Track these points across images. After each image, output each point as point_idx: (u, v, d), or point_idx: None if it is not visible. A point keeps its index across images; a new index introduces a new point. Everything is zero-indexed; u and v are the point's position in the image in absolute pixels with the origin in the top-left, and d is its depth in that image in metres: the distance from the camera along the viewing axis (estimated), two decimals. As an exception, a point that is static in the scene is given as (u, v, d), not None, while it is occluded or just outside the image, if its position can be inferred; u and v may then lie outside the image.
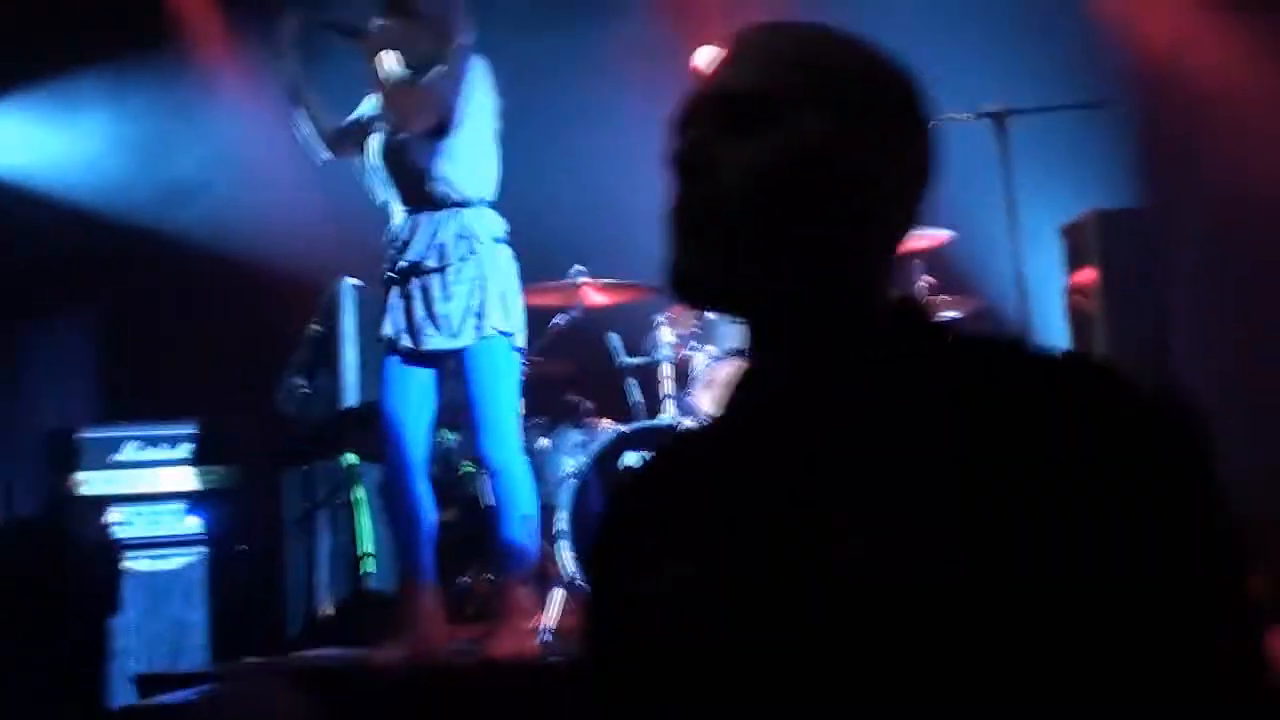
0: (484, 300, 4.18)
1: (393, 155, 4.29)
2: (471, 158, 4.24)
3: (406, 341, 4.24)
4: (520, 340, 4.30)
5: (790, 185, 1.17)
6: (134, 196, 6.72)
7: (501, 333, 4.21)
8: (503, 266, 4.27)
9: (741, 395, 1.26)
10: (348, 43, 4.26)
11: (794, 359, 1.20)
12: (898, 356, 1.17)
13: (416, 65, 4.28)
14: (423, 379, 4.30)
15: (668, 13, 6.67)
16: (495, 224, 4.29)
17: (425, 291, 4.21)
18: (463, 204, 4.24)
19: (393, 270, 4.29)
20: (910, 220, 1.24)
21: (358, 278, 5.66)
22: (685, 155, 1.21)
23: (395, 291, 4.29)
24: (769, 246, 1.17)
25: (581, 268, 5.25)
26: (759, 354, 1.24)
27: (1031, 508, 1.03)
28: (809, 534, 1.11)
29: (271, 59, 4.31)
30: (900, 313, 1.21)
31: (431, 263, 4.20)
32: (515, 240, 4.35)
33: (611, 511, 1.33)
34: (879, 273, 1.22)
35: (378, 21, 4.24)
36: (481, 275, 4.20)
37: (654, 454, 1.35)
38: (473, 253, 4.20)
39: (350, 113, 4.45)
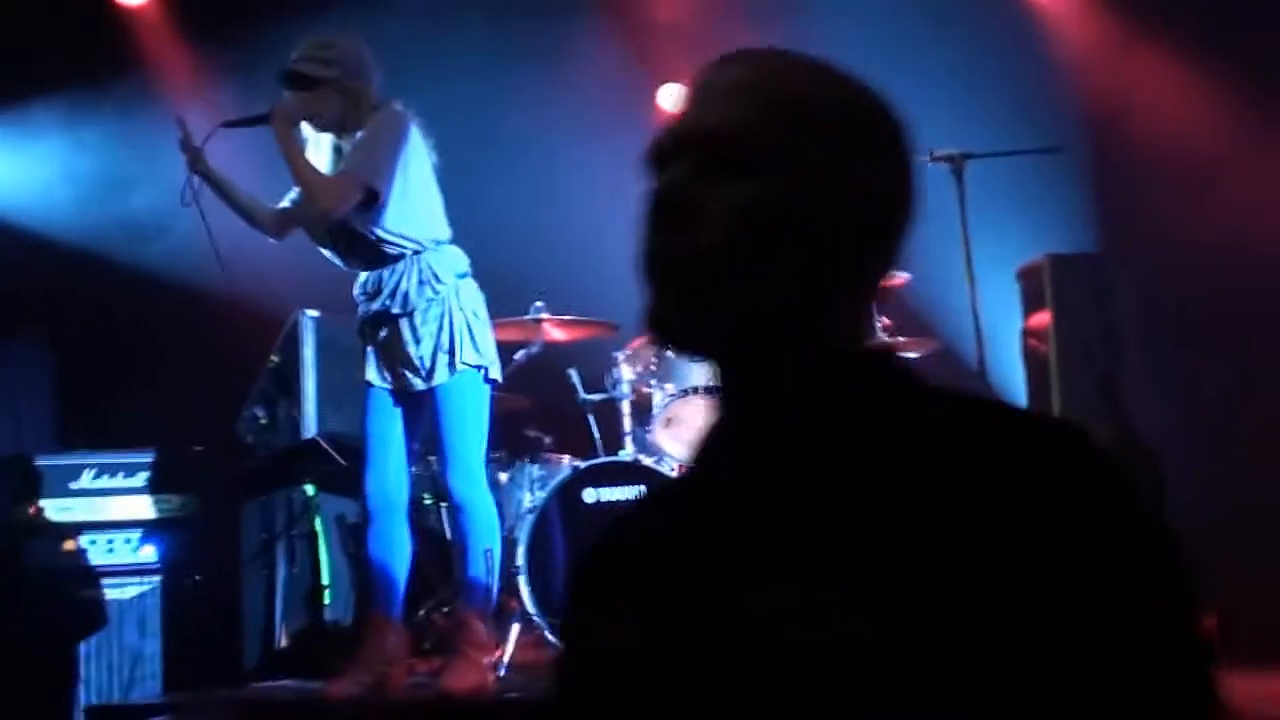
0: (453, 337, 4.22)
1: (337, 228, 4.29)
2: (409, 206, 4.23)
3: (388, 386, 4.31)
4: (494, 371, 4.35)
5: (778, 230, 1.13)
6: (93, 224, 6.72)
7: (474, 367, 4.26)
8: (467, 301, 4.31)
9: (709, 444, 1.23)
10: (257, 126, 4.22)
11: (761, 408, 1.18)
12: (862, 408, 1.15)
13: (332, 129, 4.27)
14: (401, 418, 4.35)
15: (633, 47, 6.73)
16: (455, 261, 4.32)
17: (396, 337, 4.26)
18: (417, 250, 4.26)
19: (364, 321, 4.34)
20: (893, 260, 1.21)
21: (317, 309, 5.66)
22: (665, 198, 1.16)
23: (371, 338, 4.35)
24: (754, 293, 1.14)
25: (541, 303, 5.28)
26: (730, 401, 1.21)
27: (974, 566, 1.02)
28: (750, 589, 1.10)
29: (189, 178, 4.28)
30: (870, 362, 1.19)
31: (396, 310, 4.24)
32: (475, 275, 4.39)
33: (585, 562, 1.31)
34: (861, 315, 1.20)
35: (283, 99, 4.21)
36: (447, 313, 4.24)
37: (636, 503, 1.35)
38: (435, 294, 4.24)
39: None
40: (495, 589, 4.38)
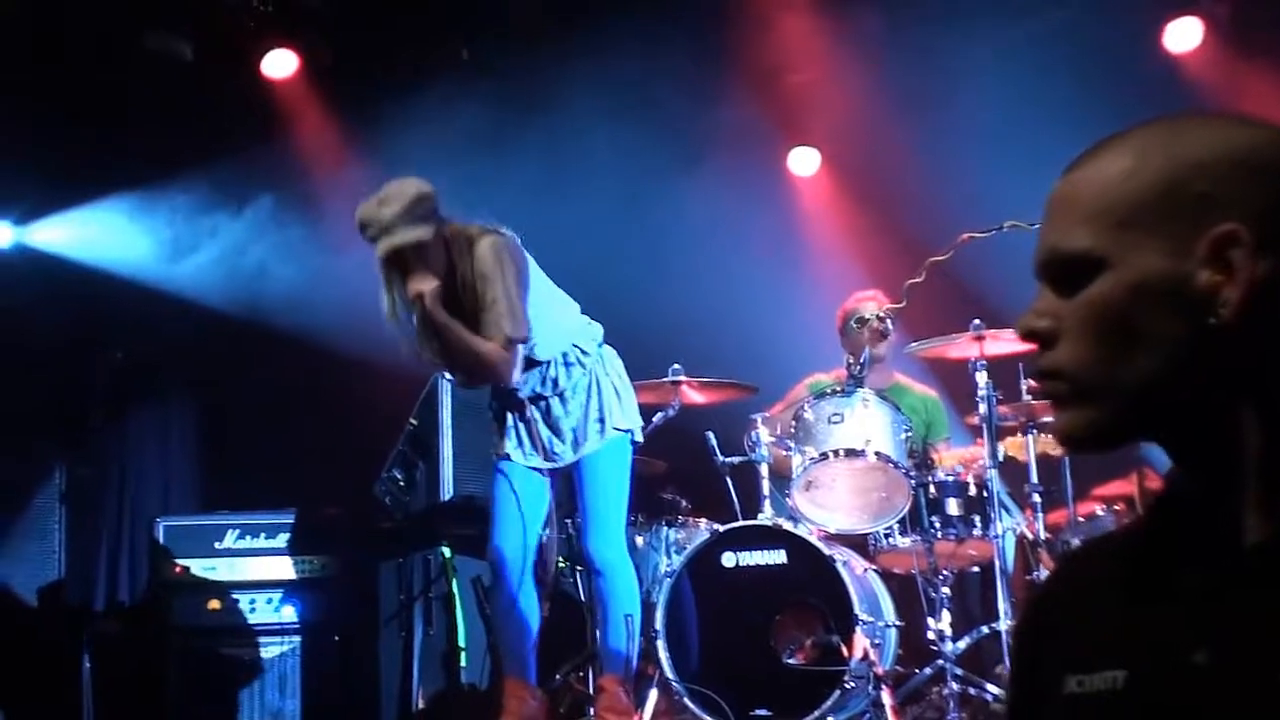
0: (602, 405, 4.29)
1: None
2: (551, 326, 4.25)
3: (537, 460, 4.34)
4: (639, 434, 4.40)
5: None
6: (237, 293, 6.87)
7: (624, 431, 4.33)
8: (610, 367, 4.39)
9: (1164, 503, 1.23)
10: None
11: (1213, 471, 1.17)
12: None
13: (441, 272, 4.16)
14: (536, 487, 4.39)
15: (765, 108, 6.74)
16: (593, 334, 4.39)
17: (546, 414, 4.31)
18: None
19: (506, 398, 4.36)
20: None
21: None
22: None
23: (513, 416, 4.37)
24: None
25: (679, 366, 5.24)
26: (1180, 466, 1.22)
27: None
28: (1229, 655, 1.09)
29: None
30: None
31: (548, 393, 4.30)
32: (615, 339, 4.46)
33: (1035, 606, 1.33)
34: None
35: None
36: (594, 383, 4.31)
37: (1074, 552, 1.35)
38: (584, 369, 4.30)
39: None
40: (636, 655, 4.37)
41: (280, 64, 6.77)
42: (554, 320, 4.29)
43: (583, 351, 4.32)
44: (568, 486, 4.48)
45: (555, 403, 4.31)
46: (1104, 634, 1.19)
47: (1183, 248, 1.14)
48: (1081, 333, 1.16)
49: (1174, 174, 1.15)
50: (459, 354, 4.12)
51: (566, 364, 4.30)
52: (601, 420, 4.29)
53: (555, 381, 4.30)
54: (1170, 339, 1.14)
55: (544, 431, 4.32)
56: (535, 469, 4.36)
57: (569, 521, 4.88)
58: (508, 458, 4.36)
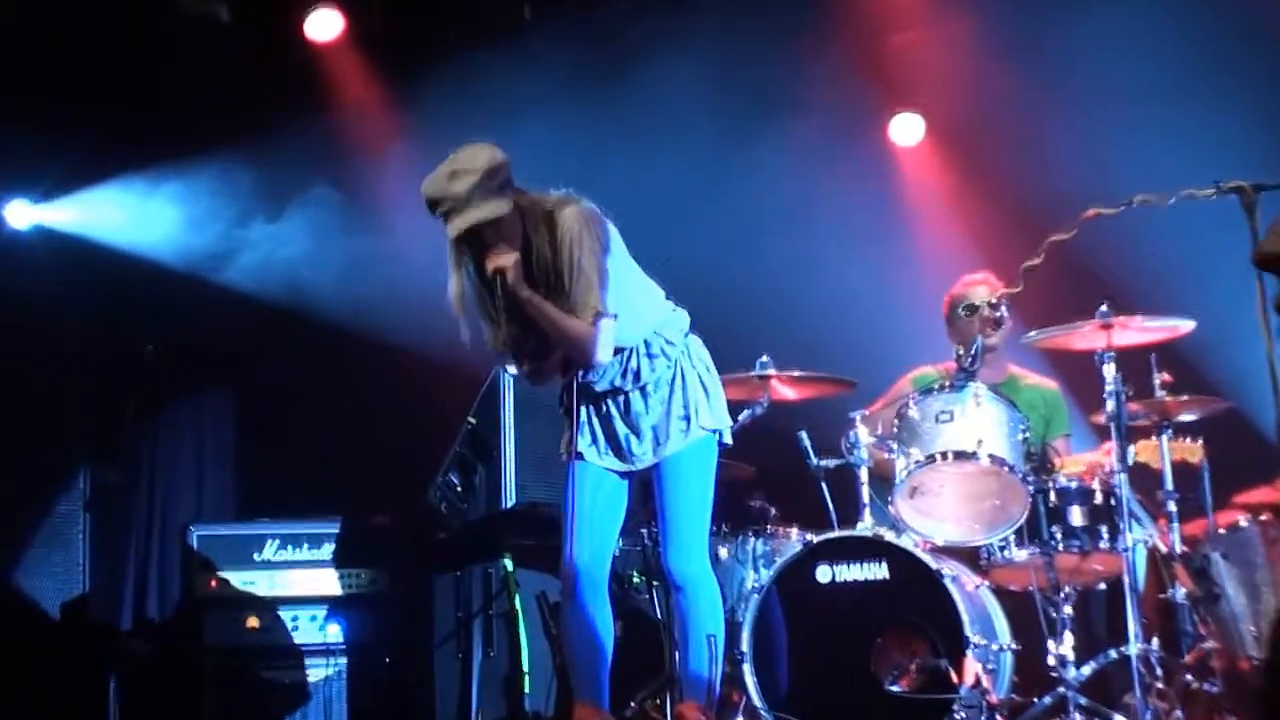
0: (687, 400, 4.09)
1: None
2: (632, 306, 4.01)
3: (612, 461, 4.14)
4: (728, 435, 4.20)
5: None
6: (280, 283, 6.75)
7: (710, 430, 4.12)
8: (697, 358, 4.18)
9: None
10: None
11: None
12: None
13: (517, 247, 3.91)
14: (613, 491, 4.18)
15: (863, 70, 6.62)
16: (678, 322, 4.19)
17: (625, 411, 4.10)
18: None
19: (580, 392, 4.09)
20: None
21: (518, 366, 5.59)
22: None
23: (587, 410, 4.13)
24: None
25: (768, 358, 5.09)
26: None
27: None
28: None
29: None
30: None
31: (629, 387, 4.09)
32: (696, 328, 4.26)
33: None
34: None
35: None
36: (679, 375, 4.11)
37: None
38: (669, 360, 4.10)
39: None
40: (720, 679, 4.19)
41: (324, 25, 6.68)
42: (636, 303, 4.05)
43: (667, 341, 4.09)
44: (644, 492, 4.29)
45: (636, 397, 4.07)
46: None
47: None
48: None
49: None
50: (545, 333, 3.92)
51: (649, 354, 4.06)
52: (686, 418, 4.06)
53: (637, 374, 4.05)
54: None
55: (621, 429, 4.10)
56: (611, 470, 4.15)
57: (644, 531, 4.72)
58: (580, 457, 4.12)
